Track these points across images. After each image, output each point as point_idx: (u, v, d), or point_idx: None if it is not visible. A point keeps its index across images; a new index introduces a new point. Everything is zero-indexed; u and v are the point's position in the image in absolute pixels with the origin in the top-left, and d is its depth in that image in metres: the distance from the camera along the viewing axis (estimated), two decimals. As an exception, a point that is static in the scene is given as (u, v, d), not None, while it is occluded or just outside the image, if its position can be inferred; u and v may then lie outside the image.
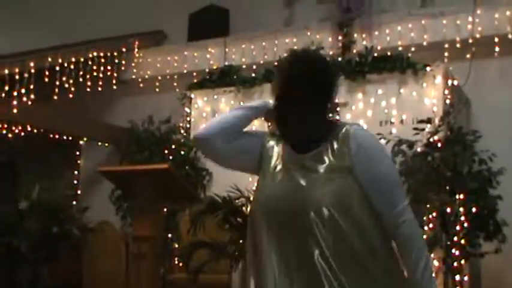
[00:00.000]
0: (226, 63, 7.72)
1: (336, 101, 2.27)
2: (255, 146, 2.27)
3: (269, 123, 2.28)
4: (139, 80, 8.49)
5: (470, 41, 6.69)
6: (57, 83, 7.41)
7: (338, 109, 6.41)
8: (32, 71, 7.02)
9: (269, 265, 2.07)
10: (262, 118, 2.27)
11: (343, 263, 2.00)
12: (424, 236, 5.38)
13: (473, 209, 5.35)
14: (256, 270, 2.13)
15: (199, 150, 2.31)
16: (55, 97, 7.33)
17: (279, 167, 2.18)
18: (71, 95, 7.55)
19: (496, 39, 6.64)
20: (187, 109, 7.43)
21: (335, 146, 2.12)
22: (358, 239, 2.02)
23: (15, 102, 6.81)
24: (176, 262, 6.55)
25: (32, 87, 6.96)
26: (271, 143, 2.26)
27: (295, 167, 2.13)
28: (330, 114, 2.21)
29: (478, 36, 6.68)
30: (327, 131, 2.15)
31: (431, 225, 5.40)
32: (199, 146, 2.32)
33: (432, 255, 5.49)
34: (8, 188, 9.04)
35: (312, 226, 2.01)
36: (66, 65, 7.55)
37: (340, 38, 7.13)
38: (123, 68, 8.52)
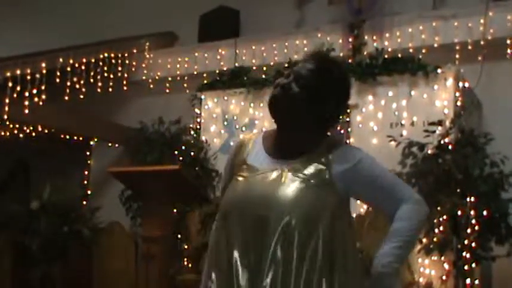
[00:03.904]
0: (237, 64, 7.73)
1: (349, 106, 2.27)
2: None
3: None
4: (150, 81, 8.51)
5: (482, 43, 6.66)
6: (68, 83, 7.43)
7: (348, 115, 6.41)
8: (44, 71, 7.05)
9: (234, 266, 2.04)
10: None
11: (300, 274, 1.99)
12: (435, 239, 5.38)
13: (485, 212, 5.32)
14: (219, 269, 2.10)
15: None
16: (66, 98, 7.35)
17: (252, 170, 2.15)
18: (81, 96, 7.57)
19: (508, 41, 6.60)
20: (197, 110, 7.44)
21: (322, 159, 2.09)
22: (318, 251, 2.01)
23: (26, 103, 6.83)
24: (185, 263, 6.56)
25: (43, 87, 6.98)
26: (246, 147, 2.23)
27: (274, 172, 2.10)
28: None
29: (489, 38, 6.64)
30: (318, 142, 2.14)
31: (441, 228, 5.38)
32: None
33: (443, 258, 5.48)
34: (20, 188, 9.11)
35: (275, 232, 2.00)
36: (77, 65, 7.57)
37: (350, 39, 7.11)
38: (133, 69, 8.54)
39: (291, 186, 2.04)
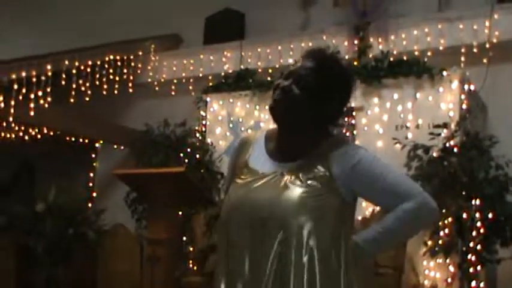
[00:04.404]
0: (242, 66, 7.73)
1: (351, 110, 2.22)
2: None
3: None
4: (155, 83, 8.52)
5: (487, 45, 6.65)
6: (74, 86, 7.45)
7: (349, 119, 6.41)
8: (49, 74, 7.07)
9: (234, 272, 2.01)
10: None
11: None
12: (440, 242, 5.37)
13: (490, 215, 5.32)
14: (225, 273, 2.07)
15: None
16: (71, 100, 7.36)
17: (253, 173, 2.11)
18: (87, 98, 7.59)
19: (514, 44, 6.61)
20: (202, 113, 7.45)
21: (324, 161, 2.05)
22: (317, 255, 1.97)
23: (32, 105, 6.85)
24: (191, 265, 6.56)
25: (48, 90, 7.00)
26: (248, 147, 2.19)
27: (276, 175, 2.06)
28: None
29: (495, 40, 6.63)
30: (319, 143, 2.09)
31: (447, 231, 5.38)
32: None
33: (448, 260, 5.48)
34: (25, 190, 9.13)
35: (274, 240, 1.97)
36: (82, 68, 7.60)
37: (356, 42, 7.12)
38: (139, 71, 8.56)
39: (292, 191, 2.00)
